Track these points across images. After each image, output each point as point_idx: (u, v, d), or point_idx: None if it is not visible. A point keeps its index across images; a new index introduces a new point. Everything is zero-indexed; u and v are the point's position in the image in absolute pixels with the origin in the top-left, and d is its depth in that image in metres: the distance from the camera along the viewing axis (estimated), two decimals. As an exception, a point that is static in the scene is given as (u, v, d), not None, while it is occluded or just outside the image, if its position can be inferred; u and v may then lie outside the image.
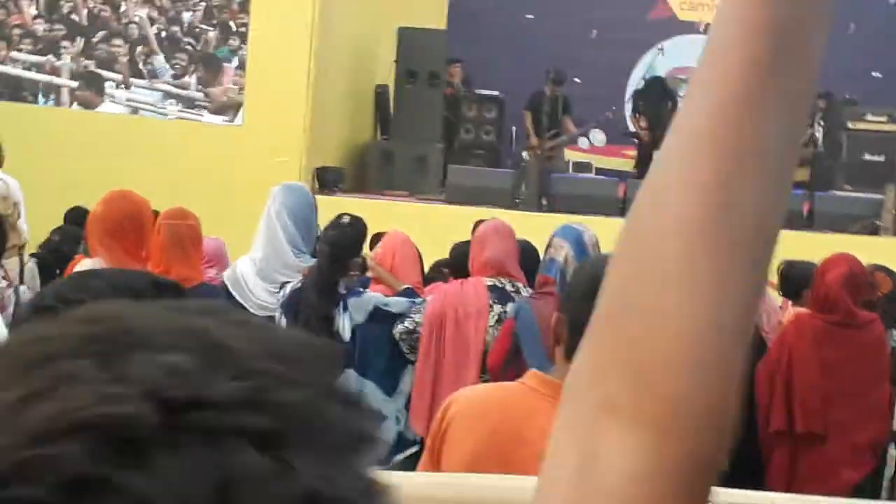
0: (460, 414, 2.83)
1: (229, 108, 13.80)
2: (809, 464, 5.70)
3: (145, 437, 0.58)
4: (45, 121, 13.11)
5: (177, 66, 13.79)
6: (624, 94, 16.93)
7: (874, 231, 12.66)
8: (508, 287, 5.95)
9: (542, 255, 5.82)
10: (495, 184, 13.62)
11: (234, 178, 12.79)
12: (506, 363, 5.57)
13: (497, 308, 5.92)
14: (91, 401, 0.58)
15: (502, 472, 2.55)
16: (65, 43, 13.69)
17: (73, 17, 13.75)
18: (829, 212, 13.09)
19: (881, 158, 14.09)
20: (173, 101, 13.79)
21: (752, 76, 0.84)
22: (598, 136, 16.05)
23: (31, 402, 0.59)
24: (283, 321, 5.80)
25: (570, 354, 2.85)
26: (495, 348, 5.78)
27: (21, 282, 6.78)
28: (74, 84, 13.63)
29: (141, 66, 13.79)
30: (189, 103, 13.82)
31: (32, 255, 7.73)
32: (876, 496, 5.64)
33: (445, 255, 8.09)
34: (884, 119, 14.33)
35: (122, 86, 13.75)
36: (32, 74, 13.51)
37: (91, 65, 13.71)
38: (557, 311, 2.86)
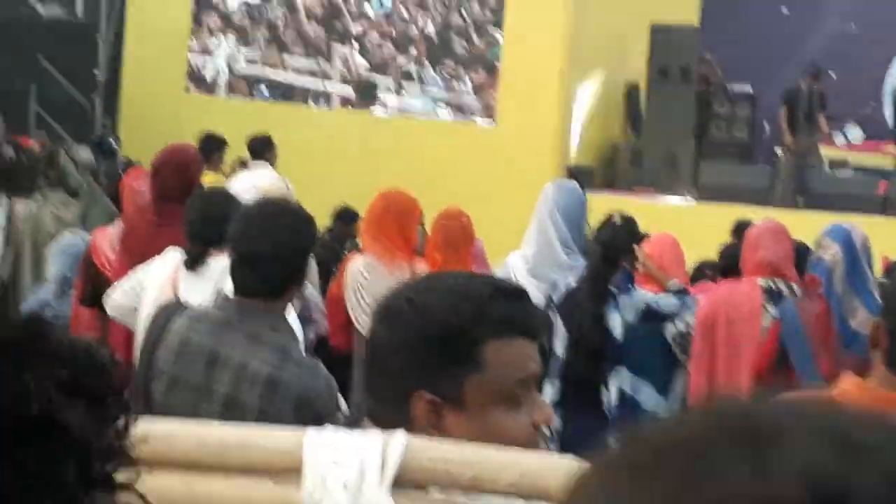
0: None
1: (486, 110, 13.97)
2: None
3: None
4: (317, 123, 13.55)
5: (444, 71, 14.04)
6: (881, 89, 16.40)
7: None
8: (783, 289, 5.84)
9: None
10: (748, 181, 13.41)
11: (489, 178, 12.97)
12: (773, 367, 5.49)
13: (771, 310, 5.82)
14: (748, 490, 0.60)
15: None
16: (336, 46, 14.12)
17: (339, 22, 14.16)
18: None
19: None
20: (441, 103, 14.05)
21: None
22: (855, 133, 15.62)
23: (687, 486, 0.61)
24: (558, 321, 5.84)
25: (890, 362, 2.82)
26: (761, 352, 5.68)
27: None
28: (345, 88, 14.04)
29: (412, 70, 14.10)
30: (456, 107, 14.06)
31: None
32: None
33: (699, 253, 8.01)
34: None
35: (394, 90, 14.09)
36: (305, 79, 13.98)
37: (362, 68, 14.10)
38: (878, 316, 2.84)
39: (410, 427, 1.81)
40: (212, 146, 8.76)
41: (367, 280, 5.97)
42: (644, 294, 6.08)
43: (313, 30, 14.13)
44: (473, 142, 13.53)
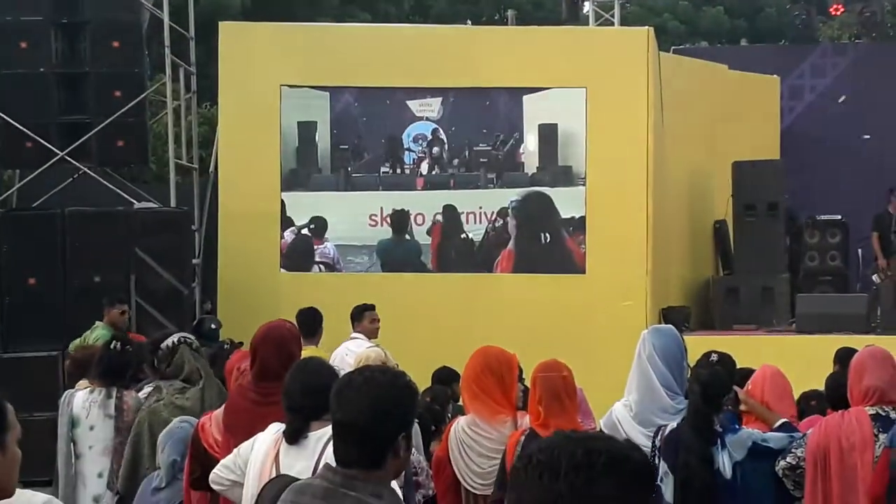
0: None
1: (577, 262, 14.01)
2: None
3: None
4: (410, 290, 13.70)
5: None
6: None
7: None
8: (893, 415, 5.75)
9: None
10: (847, 309, 13.24)
11: (583, 325, 12.98)
12: (888, 494, 5.37)
13: (883, 437, 5.72)
14: None
15: None
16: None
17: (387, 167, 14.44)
18: None
19: None
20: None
21: None
22: (951, 252, 15.40)
23: None
24: (661, 464, 5.80)
25: None
26: (875, 480, 5.58)
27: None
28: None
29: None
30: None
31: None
32: None
33: (803, 385, 7.89)
34: None
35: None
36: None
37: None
38: None
39: None
40: (310, 320, 8.88)
41: (472, 440, 5.98)
42: (751, 432, 6.02)
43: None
44: (566, 291, 13.56)
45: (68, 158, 13.35)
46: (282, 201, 14.09)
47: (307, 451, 4.23)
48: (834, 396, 6.56)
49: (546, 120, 14.00)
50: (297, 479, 3.49)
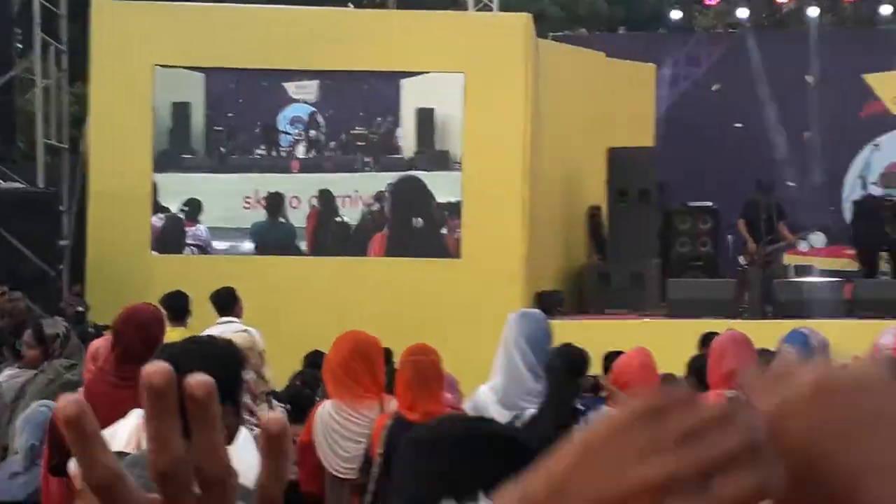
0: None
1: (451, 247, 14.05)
2: None
3: None
4: (284, 273, 13.60)
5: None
6: (841, 193, 16.66)
7: None
8: (752, 398, 5.85)
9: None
10: (716, 294, 13.49)
11: (458, 310, 13.02)
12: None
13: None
14: None
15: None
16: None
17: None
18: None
19: None
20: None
21: None
22: (817, 238, 15.79)
23: None
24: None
25: None
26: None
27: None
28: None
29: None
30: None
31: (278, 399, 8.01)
32: None
33: (672, 369, 8.03)
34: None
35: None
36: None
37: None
38: None
39: None
40: (177, 303, 8.75)
41: (338, 424, 5.96)
42: (613, 410, 6.10)
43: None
44: (440, 276, 13.60)
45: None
46: (153, 183, 13.89)
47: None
48: (695, 380, 6.68)
49: (423, 104, 14.00)
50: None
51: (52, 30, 14.85)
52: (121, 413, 4.47)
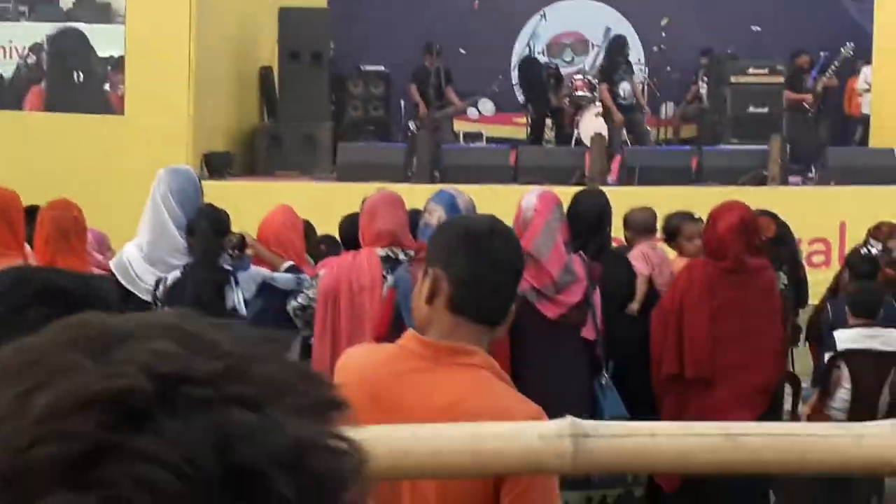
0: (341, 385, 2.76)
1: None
2: (698, 408, 5.74)
3: (147, 407, 0.68)
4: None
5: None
6: (510, 61, 16.97)
7: (762, 181, 12.85)
8: (402, 256, 5.91)
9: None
10: (386, 159, 13.55)
11: (120, 168, 12.60)
12: (391, 331, 5.55)
13: (389, 278, 5.88)
14: (92, 380, 0.68)
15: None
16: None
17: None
18: (717, 166, 13.27)
19: (764, 110, 14.32)
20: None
21: None
22: (486, 106, 16.10)
23: (35, 391, 0.68)
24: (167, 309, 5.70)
25: (455, 308, 2.79)
26: (380, 317, 5.74)
27: None
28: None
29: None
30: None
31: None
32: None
33: (327, 228, 8.04)
34: (765, 71, 14.53)
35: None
36: None
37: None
38: (431, 267, 2.75)
39: None
40: None
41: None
42: (260, 269, 6.07)
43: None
44: (104, 133, 13.11)
45: None
46: None
47: None
48: (347, 238, 6.70)
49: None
50: None
51: None
52: None
